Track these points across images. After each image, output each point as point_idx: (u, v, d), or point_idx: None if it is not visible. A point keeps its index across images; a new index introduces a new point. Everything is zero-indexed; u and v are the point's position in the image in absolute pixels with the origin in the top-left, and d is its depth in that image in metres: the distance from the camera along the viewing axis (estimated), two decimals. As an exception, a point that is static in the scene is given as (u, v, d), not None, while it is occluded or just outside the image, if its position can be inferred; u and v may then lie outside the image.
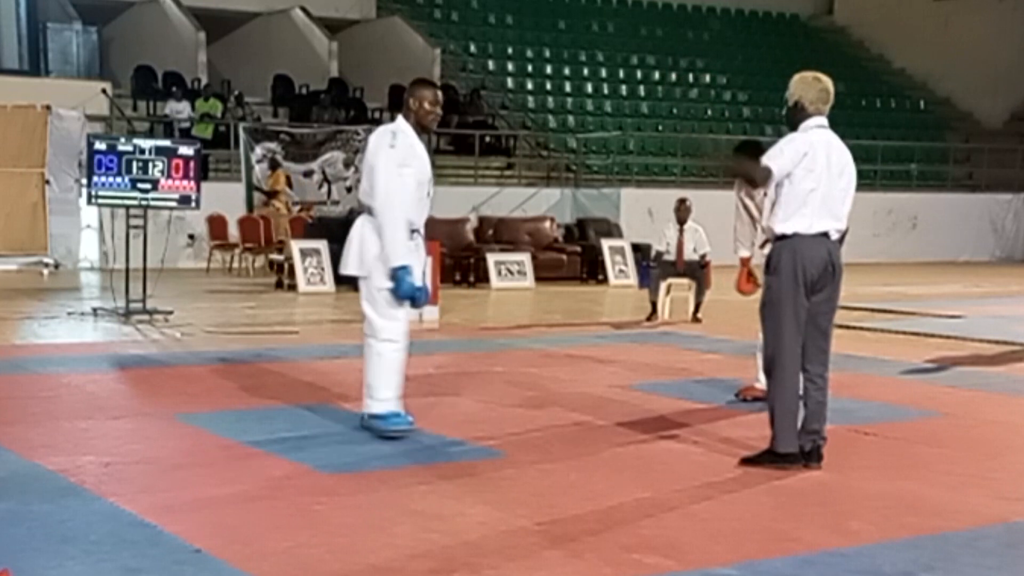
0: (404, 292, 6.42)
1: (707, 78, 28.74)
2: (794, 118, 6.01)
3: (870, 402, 7.98)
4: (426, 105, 6.55)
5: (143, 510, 4.98)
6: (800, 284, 5.83)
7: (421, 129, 6.58)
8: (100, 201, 12.28)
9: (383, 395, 6.54)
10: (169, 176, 11.93)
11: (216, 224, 18.78)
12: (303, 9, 25.48)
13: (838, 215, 5.94)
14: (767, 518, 5.17)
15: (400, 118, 6.63)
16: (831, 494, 5.57)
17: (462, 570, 4.33)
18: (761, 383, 7.73)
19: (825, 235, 5.89)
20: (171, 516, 4.92)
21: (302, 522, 4.91)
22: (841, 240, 6.03)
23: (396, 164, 6.38)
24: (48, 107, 17.04)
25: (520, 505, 5.24)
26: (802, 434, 5.95)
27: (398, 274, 6.38)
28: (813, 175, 5.81)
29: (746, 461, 6.02)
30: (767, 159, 5.92)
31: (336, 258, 14.13)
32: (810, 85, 6.00)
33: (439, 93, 6.78)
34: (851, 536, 4.90)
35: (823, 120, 5.98)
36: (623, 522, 5.00)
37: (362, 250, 6.54)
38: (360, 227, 6.58)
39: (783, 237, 5.87)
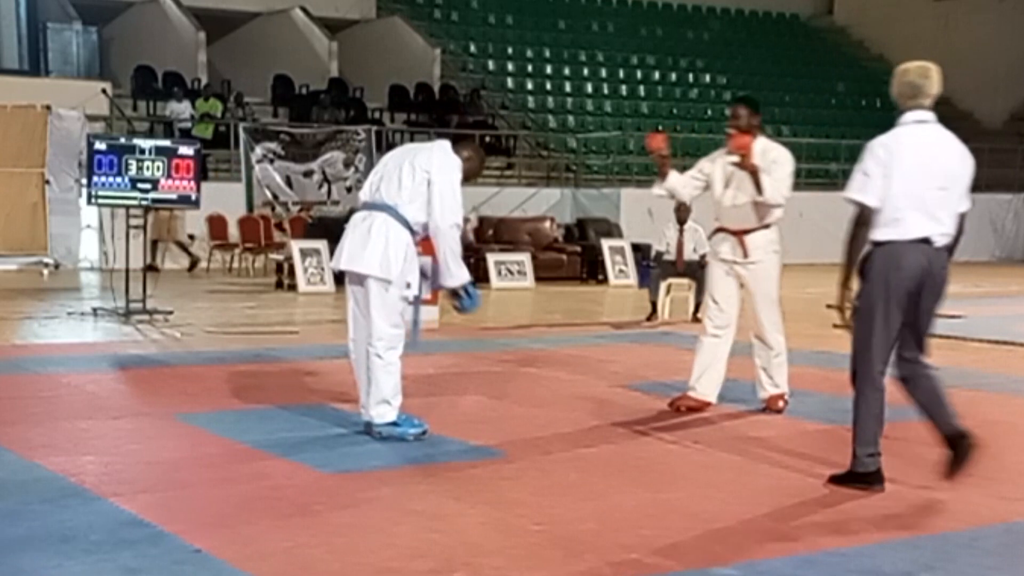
0: (478, 304, 6.70)
1: (707, 78, 28.73)
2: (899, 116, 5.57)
3: (870, 402, 7.96)
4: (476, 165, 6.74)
5: (143, 510, 4.98)
6: (892, 294, 5.39)
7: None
8: (100, 201, 12.29)
9: (398, 401, 6.49)
10: (169, 176, 11.94)
11: (216, 224, 18.79)
12: (303, 9, 25.48)
13: (938, 218, 5.40)
14: (767, 518, 5.16)
15: (450, 147, 6.57)
16: (831, 494, 5.57)
17: (462, 570, 4.33)
18: (695, 392, 7.55)
19: (925, 241, 5.38)
20: (171, 516, 4.92)
21: (302, 522, 4.91)
22: (952, 247, 5.52)
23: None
24: (48, 107, 17.03)
25: (520, 505, 5.24)
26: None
27: (471, 289, 6.60)
28: (899, 175, 5.34)
29: (833, 480, 5.72)
30: (851, 193, 5.41)
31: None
32: (897, 79, 5.57)
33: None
34: (851, 536, 4.90)
35: (922, 114, 5.55)
36: (623, 522, 5.00)
37: (388, 253, 6.29)
38: (383, 226, 6.32)
39: (878, 244, 5.41)
